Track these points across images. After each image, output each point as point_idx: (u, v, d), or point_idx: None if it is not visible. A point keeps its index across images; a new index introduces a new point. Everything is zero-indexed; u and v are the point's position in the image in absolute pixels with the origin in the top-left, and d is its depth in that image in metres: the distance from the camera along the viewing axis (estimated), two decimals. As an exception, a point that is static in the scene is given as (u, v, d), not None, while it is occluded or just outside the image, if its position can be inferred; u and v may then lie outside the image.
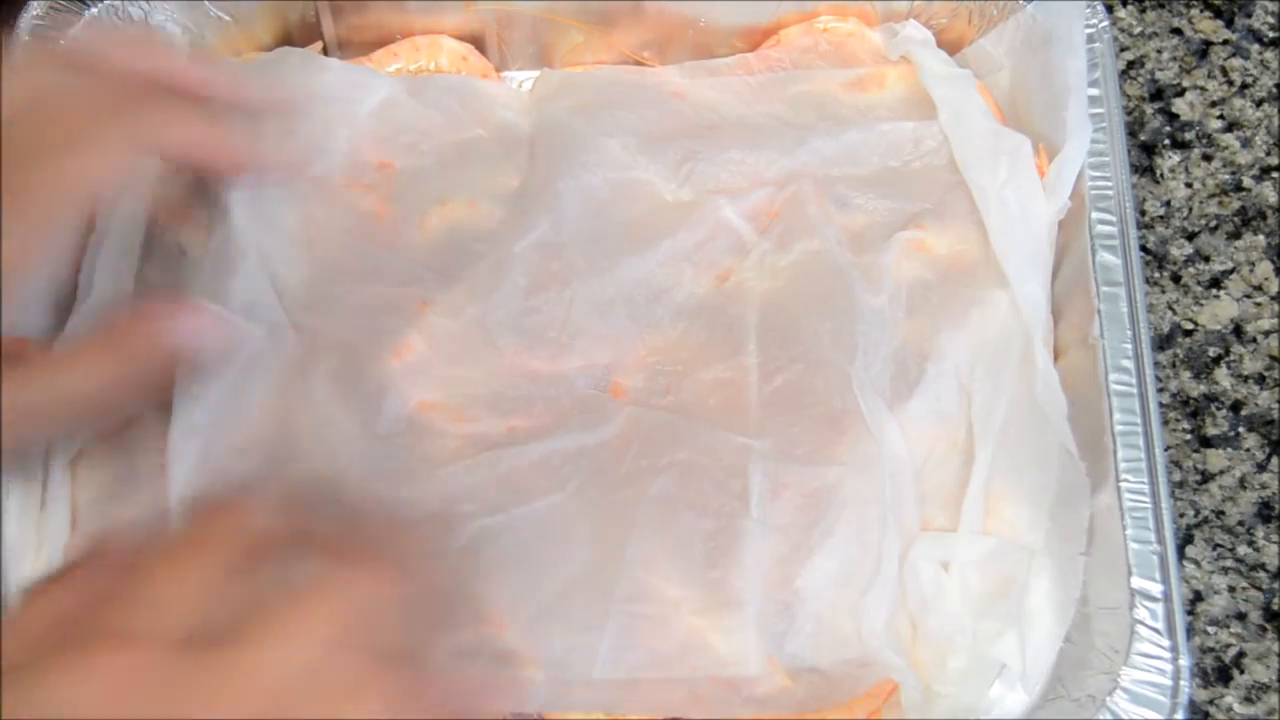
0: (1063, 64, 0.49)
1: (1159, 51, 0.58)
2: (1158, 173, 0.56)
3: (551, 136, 0.51)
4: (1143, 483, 0.43)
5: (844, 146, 0.50)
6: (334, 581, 0.35)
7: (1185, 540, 0.50)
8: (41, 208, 0.40)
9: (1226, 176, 0.56)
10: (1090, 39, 0.50)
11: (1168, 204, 0.56)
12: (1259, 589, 0.50)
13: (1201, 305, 0.54)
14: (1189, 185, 0.56)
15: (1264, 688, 0.49)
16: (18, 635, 0.34)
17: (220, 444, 0.45)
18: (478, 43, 0.54)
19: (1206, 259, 0.55)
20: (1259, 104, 0.57)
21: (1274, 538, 0.50)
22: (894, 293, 0.47)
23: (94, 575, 0.35)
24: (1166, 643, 0.42)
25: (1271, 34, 0.58)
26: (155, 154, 0.44)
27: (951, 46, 0.53)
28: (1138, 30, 0.59)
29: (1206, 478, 0.51)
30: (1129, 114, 0.57)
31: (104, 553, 0.36)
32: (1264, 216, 0.55)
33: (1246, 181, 0.56)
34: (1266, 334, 0.53)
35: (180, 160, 0.45)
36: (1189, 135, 0.57)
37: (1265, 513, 0.51)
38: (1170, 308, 0.54)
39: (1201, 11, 0.59)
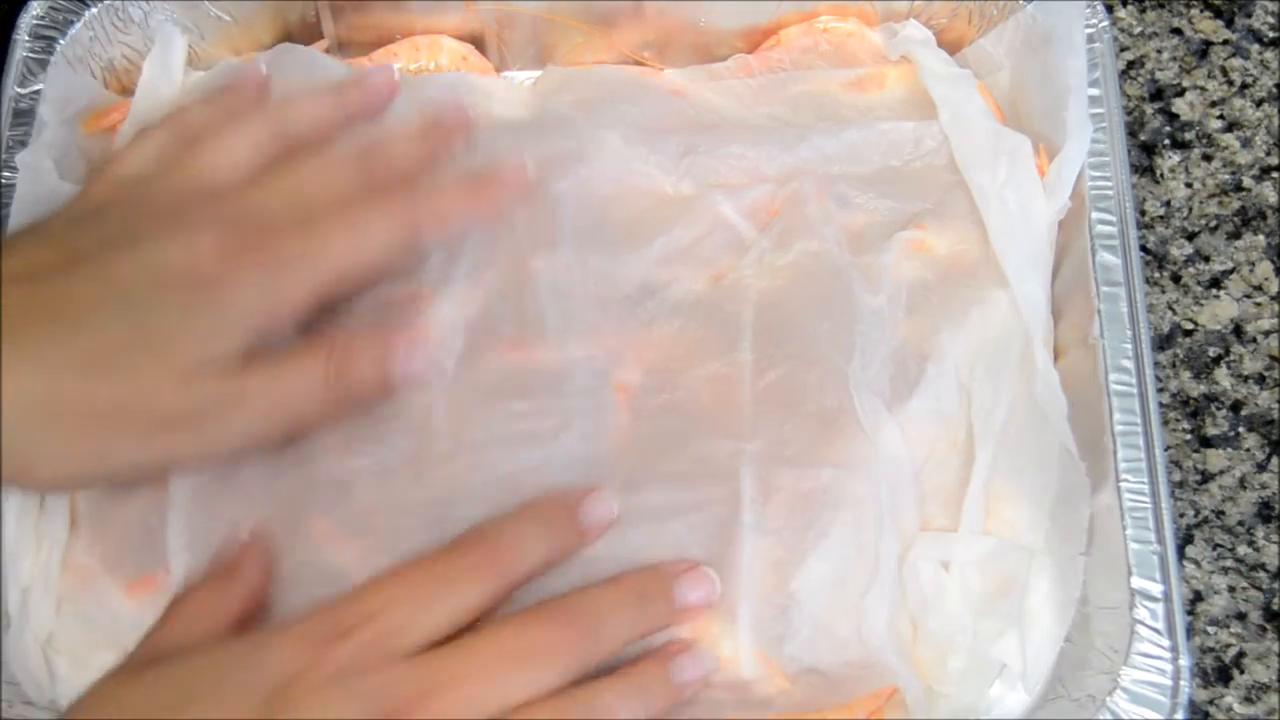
0: (1062, 64, 0.49)
1: (1159, 51, 0.58)
2: (1158, 173, 0.56)
3: (553, 129, 0.51)
4: (1143, 483, 0.43)
5: (844, 145, 0.50)
6: None
7: (1185, 540, 0.50)
8: (303, 277, 0.41)
9: (1226, 176, 0.56)
10: (1090, 39, 0.50)
11: (1168, 204, 0.56)
12: (1259, 589, 0.50)
13: (1201, 305, 0.54)
14: (1189, 185, 0.56)
15: (1264, 688, 0.49)
16: None
17: None
18: (478, 43, 0.54)
19: (1206, 259, 0.55)
20: (1259, 104, 0.57)
21: (1274, 538, 0.50)
22: (894, 292, 0.47)
23: None
24: (1166, 643, 0.42)
25: (1271, 34, 0.59)
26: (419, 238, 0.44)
27: (951, 46, 0.53)
28: (1138, 30, 0.59)
29: (1206, 478, 0.51)
30: (1129, 114, 0.57)
31: None
32: (1264, 216, 0.55)
33: (1246, 181, 0.56)
34: (1266, 334, 0.53)
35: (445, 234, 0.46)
36: (1189, 135, 0.57)
37: (1265, 513, 0.51)
38: (1170, 308, 0.54)
39: (1201, 11, 0.59)
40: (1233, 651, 0.49)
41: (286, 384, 0.40)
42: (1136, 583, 0.42)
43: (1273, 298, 0.54)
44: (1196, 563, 0.50)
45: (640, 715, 0.38)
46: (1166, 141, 0.57)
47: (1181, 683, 0.41)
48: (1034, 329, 0.46)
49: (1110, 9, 0.53)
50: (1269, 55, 0.58)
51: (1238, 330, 0.54)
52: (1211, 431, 0.52)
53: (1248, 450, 0.52)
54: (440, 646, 0.37)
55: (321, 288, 0.41)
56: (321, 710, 0.35)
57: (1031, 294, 0.47)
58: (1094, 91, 0.49)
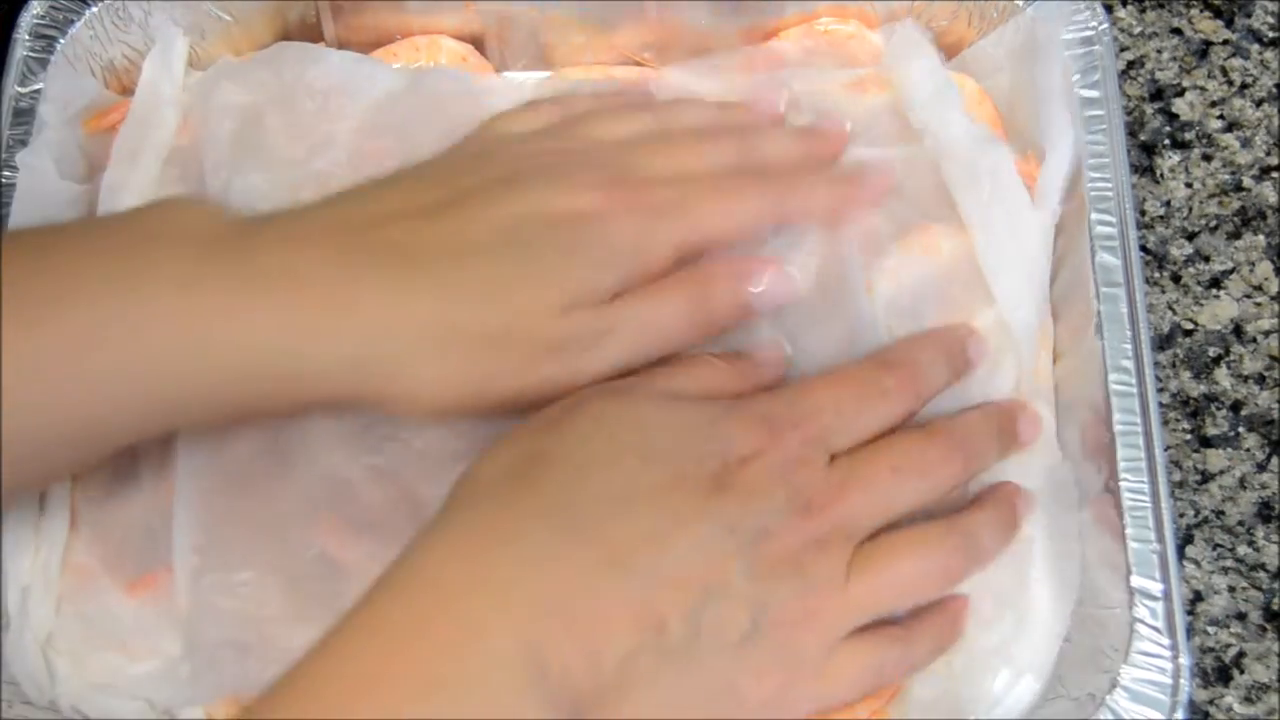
0: (1048, 69, 0.49)
1: (1159, 51, 0.58)
2: (1158, 173, 0.56)
3: None
4: (1143, 483, 0.43)
5: (850, 146, 0.50)
6: None
7: (1185, 540, 0.50)
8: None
9: (1226, 176, 0.56)
10: (1090, 39, 0.50)
11: (1168, 204, 0.56)
12: (1259, 589, 0.50)
13: (1201, 305, 0.54)
14: (1189, 185, 0.56)
15: (1264, 688, 0.49)
16: None
17: (234, 445, 0.45)
18: (477, 43, 0.54)
19: (1206, 259, 0.55)
20: (1259, 104, 0.57)
21: (1274, 538, 0.50)
22: (902, 294, 0.47)
23: None
24: (1166, 642, 0.42)
25: (1271, 34, 0.59)
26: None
27: (951, 48, 0.53)
28: (1138, 30, 0.59)
29: (1206, 478, 0.51)
30: (1129, 114, 0.57)
31: None
32: (1264, 216, 0.55)
33: (1246, 181, 0.56)
34: (1266, 334, 0.53)
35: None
36: (1189, 135, 0.57)
37: (1265, 513, 0.51)
38: (1170, 308, 0.54)
39: (1201, 11, 0.59)
40: (1233, 651, 0.49)
41: (652, 313, 0.43)
42: (1136, 582, 0.42)
43: (1273, 298, 0.54)
44: (1196, 563, 0.50)
45: (998, 549, 0.43)
46: (1166, 141, 0.57)
47: (1181, 682, 0.41)
48: (1023, 350, 0.46)
49: (1110, 9, 0.53)
50: (1269, 55, 0.58)
51: (1238, 330, 0.54)
52: (1211, 431, 0.52)
53: (1248, 450, 0.52)
54: (856, 450, 0.41)
55: (687, 242, 0.44)
56: (764, 494, 0.38)
57: (1022, 320, 0.47)
58: (1094, 92, 0.49)
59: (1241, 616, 0.50)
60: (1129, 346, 0.45)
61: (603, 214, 0.42)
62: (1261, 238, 0.55)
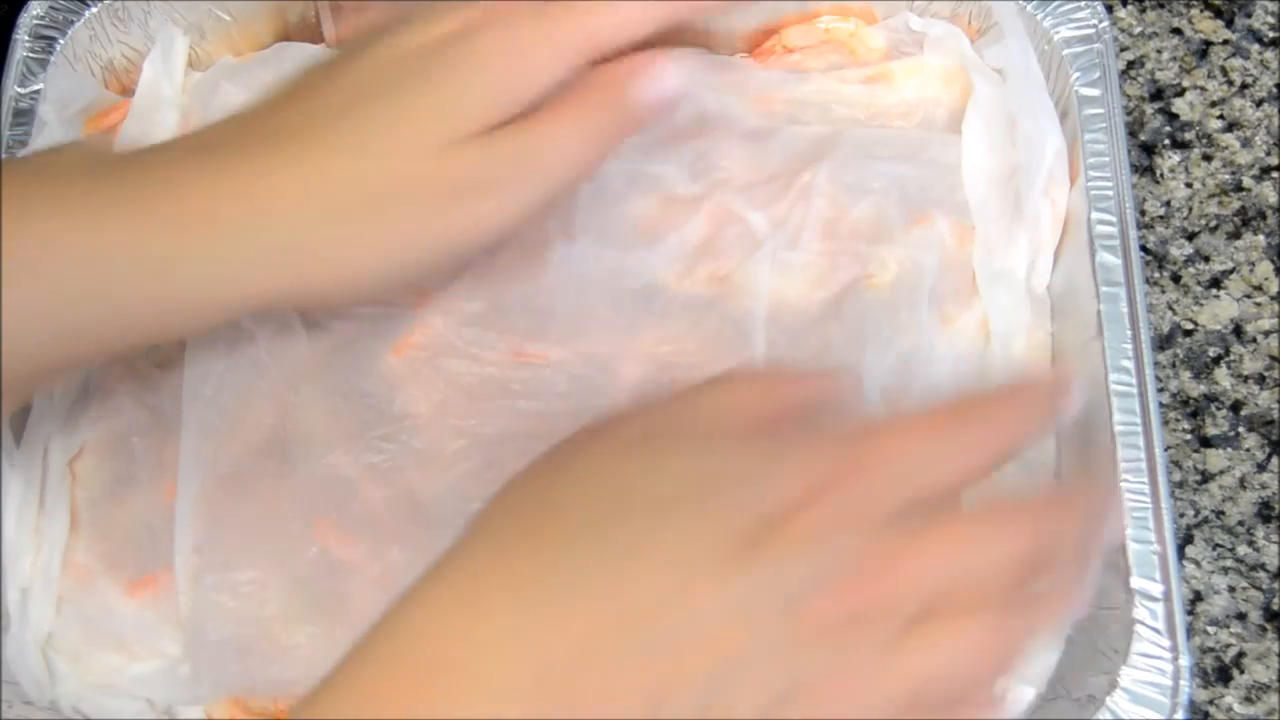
0: (1020, 59, 0.49)
1: (1159, 51, 0.58)
2: (1158, 173, 0.56)
3: None
4: (1143, 483, 0.43)
5: (854, 141, 0.50)
6: None
7: (1185, 540, 0.50)
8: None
9: (1226, 176, 0.56)
10: (1090, 39, 0.50)
11: (1168, 204, 0.56)
12: (1259, 589, 0.50)
13: (1201, 305, 0.54)
14: (1189, 185, 0.56)
15: (1264, 688, 0.49)
16: None
17: (236, 444, 0.45)
18: (478, 43, 0.54)
19: (1206, 259, 0.55)
20: (1259, 104, 0.57)
21: (1274, 538, 0.50)
22: (905, 287, 0.48)
23: None
24: (1166, 643, 0.42)
25: (1271, 34, 0.59)
26: None
27: (951, 48, 0.53)
28: (1138, 30, 0.59)
29: (1206, 478, 0.51)
30: (1129, 114, 0.57)
31: None
32: (1264, 216, 0.55)
33: (1246, 181, 0.56)
34: (1266, 334, 0.53)
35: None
36: (1189, 135, 0.57)
37: (1265, 513, 0.51)
38: (1170, 308, 0.54)
39: (1201, 11, 0.59)
40: (1233, 651, 0.49)
41: (548, 135, 0.40)
42: (1136, 583, 0.42)
43: (1273, 298, 0.54)
44: (1196, 563, 0.50)
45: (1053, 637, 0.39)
46: (1166, 141, 0.57)
47: (1181, 683, 0.41)
48: (1014, 339, 0.47)
49: (1110, 9, 0.53)
50: (1269, 55, 0.58)
51: (1238, 330, 0.54)
52: (1211, 431, 0.52)
53: (1248, 450, 0.52)
54: (912, 515, 0.35)
55: (570, 47, 0.40)
56: (803, 556, 0.33)
57: (1009, 317, 0.47)
58: (1094, 91, 0.49)
59: (1241, 616, 0.50)
60: (1129, 346, 0.45)
61: (472, 30, 0.39)
62: (1261, 238, 0.55)
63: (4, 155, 0.49)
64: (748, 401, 0.38)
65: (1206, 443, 0.52)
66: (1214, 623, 0.49)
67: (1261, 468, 0.52)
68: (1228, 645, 0.49)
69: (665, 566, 0.33)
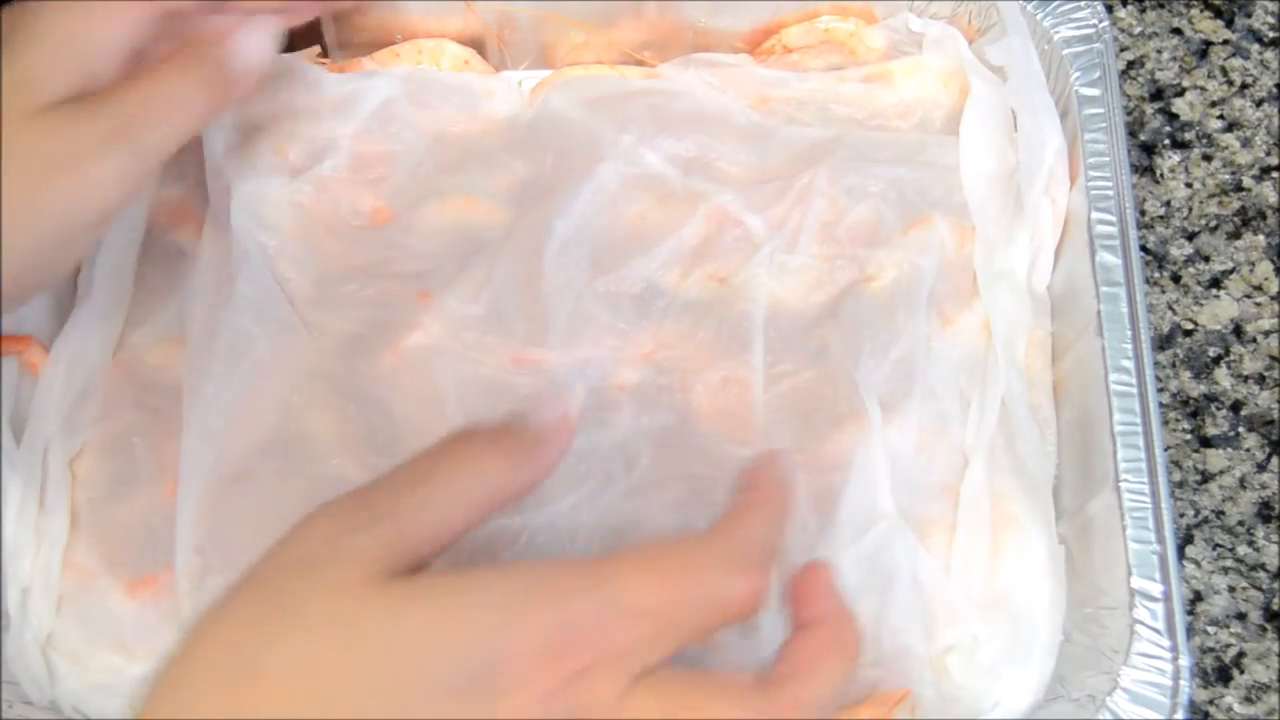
0: (1022, 57, 0.49)
1: (1159, 51, 0.58)
2: (1158, 173, 0.56)
3: (561, 131, 0.51)
4: (1143, 483, 0.43)
5: (853, 142, 0.50)
6: None
7: (1185, 540, 0.50)
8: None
9: (1226, 176, 0.56)
10: (1090, 39, 0.50)
11: (1168, 204, 0.56)
12: (1259, 589, 0.50)
13: (1201, 305, 0.54)
14: (1189, 185, 0.56)
15: (1264, 688, 0.49)
16: None
17: (238, 445, 0.45)
18: (477, 43, 0.54)
19: (1206, 259, 0.55)
20: (1259, 104, 0.57)
21: (1274, 538, 0.50)
22: (903, 290, 0.48)
23: None
24: (1166, 643, 0.42)
25: (1271, 34, 0.59)
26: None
27: (951, 48, 0.53)
28: (1138, 30, 0.59)
29: (1206, 478, 0.51)
30: (1129, 114, 0.57)
31: None
32: (1264, 216, 0.55)
33: (1246, 181, 0.56)
34: (1266, 334, 0.53)
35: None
36: (1189, 135, 0.57)
37: (1265, 513, 0.51)
38: (1170, 308, 0.54)
39: (1201, 11, 0.59)
40: (1233, 651, 0.49)
41: (132, 106, 0.40)
42: (1136, 583, 0.42)
43: (1273, 298, 0.54)
44: (1196, 563, 0.50)
45: None
46: (1166, 141, 0.57)
47: (1181, 683, 0.41)
48: (1015, 339, 0.47)
49: (1110, 9, 0.53)
50: (1269, 55, 0.58)
51: (1238, 330, 0.54)
52: (1211, 431, 0.52)
53: (1248, 450, 0.52)
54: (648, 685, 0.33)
55: (139, 13, 0.41)
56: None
57: (1010, 318, 0.47)
58: (1094, 91, 0.49)
59: (1241, 616, 0.50)
60: (1129, 346, 0.45)
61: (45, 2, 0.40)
62: (1261, 238, 0.55)
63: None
64: (489, 469, 0.36)
65: (1206, 443, 0.52)
66: (1214, 623, 0.49)
67: (1261, 468, 0.52)
68: (1228, 645, 0.49)
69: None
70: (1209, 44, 0.58)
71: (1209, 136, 0.57)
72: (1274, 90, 0.57)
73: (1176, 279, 0.55)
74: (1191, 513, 0.51)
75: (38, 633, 0.44)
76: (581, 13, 0.53)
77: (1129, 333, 0.45)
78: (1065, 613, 0.44)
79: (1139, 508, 0.43)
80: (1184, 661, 0.41)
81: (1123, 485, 0.43)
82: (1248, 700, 0.48)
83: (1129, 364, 0.45)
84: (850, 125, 0.51)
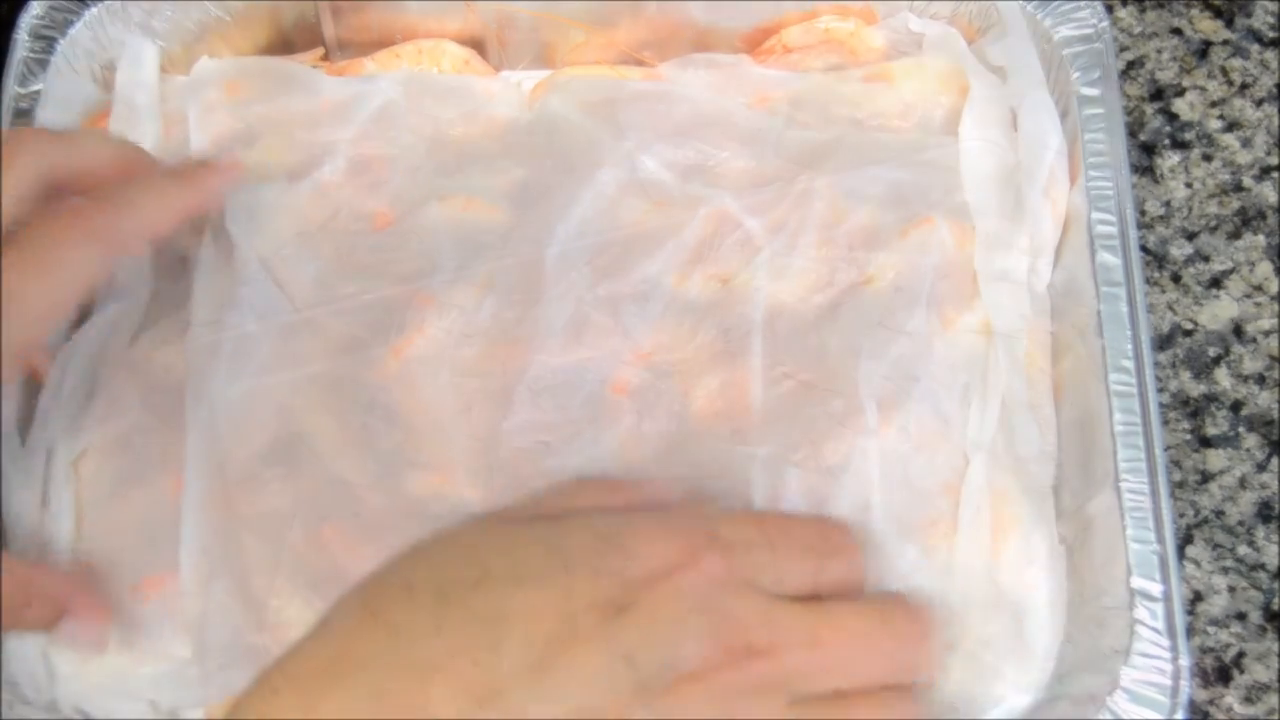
0: (1022, 71, 0.49)
1: (1159, 51, 0.58)
2: (1158, 173, 0.56)
3: (560, 133, 0.51)
4: (1143, 483, 0.43)
5: (852, 144, 0.50)
6: None
7: (1185, 540, 0.50)
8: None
9: (1226, 176, 0.56)
10: (1090, 39, 0.50)
11: (1168, 204, 0.56)
12: (1259, 589, 0.50)
13: (1201, 305, 0.54)
14: (1189, 185, 0.56)
15: (1264, 688, 0.49)
16: None
17: (241, 447, 0.45)
18: (477, 43, 0.54)
19: (1206, 259, 0.55)
20: (1259, 104, 0.57)
21: (1274, 538, 0.50)
22: (903, 291, 0.48)
23: None
24: (1166, 643, 0.42)
25: (1271, 34, 0.59)
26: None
27: (951, 48, 0.53)
28: (1138, 30, 0.59)
29: (1206, 478, 0.51)
30: (1129, 114, 0.57)
31: None
32: (1264, 216, 0.55)
33: (1246, 181, 0.56)
34: (1266, 334, 0.53)
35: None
36: (1189, 135, 0.57)
37: (1265, 513, 0.51)
38: (1170, 308, 0.54)
39: (1201, 11, 0.59)
40: (1233, 651, 0.49)
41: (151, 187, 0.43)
42: (1136, 583, 0.42)
43: (1273, 298, 0.54)
44: (1196, 563, 0.50)
45: None
46: (1166, 141, 0.57)
47: (1181, 683, 0.41)
48: (1015, 339, 0.47)
49: (1110, 9, 0.53)
50: (1269, 55, 0.58)
51: (1238, 330, 0.54)
52: (1211, 431, 0.52)
53: (1248, 450, 0.52)
54: (793, 603, 0.35)
55: (29, 174, 0.41)
56: (674, 619, 0.33)
57: (1011, 318, 0.47)
58: (1094, 91, 0.49)
59: (1241, 616, 0.50)
60: (1129, 346, 0.45)
61: None
62: (1261, 238, 0.55)
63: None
64: (592, 493, 0.38)
65: (1206, 443, 0.52)
66: (1214, 623, 0.49)
67: (1261, 468, 0.52)
68: (1228, 645, 0.49)
69: (524, 634, 0.32)
70: (1209, 44, 0.58)
71: (1209, 136, 0.57)
72: (1274, 90, 0.57)
73: (1176, 279, 0.55)
74: (1191, 513, 0.51)
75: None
76: (581, 13, 0.53)
77: (1129, 333, 0.46)
78: (1065, 613, 0.44)
79: (1139, 507, 0.43)
80: (1184, 661, 0.41)
81: (1123, 485, 0.43)
82: (1248, 700, 0.48)
83: (1129, 364, 0.45)
84: (850, 125, 0.51)
